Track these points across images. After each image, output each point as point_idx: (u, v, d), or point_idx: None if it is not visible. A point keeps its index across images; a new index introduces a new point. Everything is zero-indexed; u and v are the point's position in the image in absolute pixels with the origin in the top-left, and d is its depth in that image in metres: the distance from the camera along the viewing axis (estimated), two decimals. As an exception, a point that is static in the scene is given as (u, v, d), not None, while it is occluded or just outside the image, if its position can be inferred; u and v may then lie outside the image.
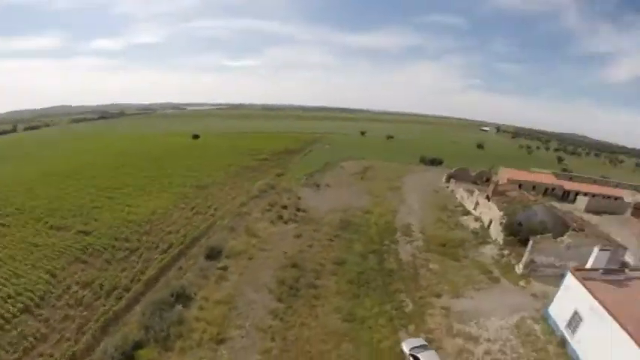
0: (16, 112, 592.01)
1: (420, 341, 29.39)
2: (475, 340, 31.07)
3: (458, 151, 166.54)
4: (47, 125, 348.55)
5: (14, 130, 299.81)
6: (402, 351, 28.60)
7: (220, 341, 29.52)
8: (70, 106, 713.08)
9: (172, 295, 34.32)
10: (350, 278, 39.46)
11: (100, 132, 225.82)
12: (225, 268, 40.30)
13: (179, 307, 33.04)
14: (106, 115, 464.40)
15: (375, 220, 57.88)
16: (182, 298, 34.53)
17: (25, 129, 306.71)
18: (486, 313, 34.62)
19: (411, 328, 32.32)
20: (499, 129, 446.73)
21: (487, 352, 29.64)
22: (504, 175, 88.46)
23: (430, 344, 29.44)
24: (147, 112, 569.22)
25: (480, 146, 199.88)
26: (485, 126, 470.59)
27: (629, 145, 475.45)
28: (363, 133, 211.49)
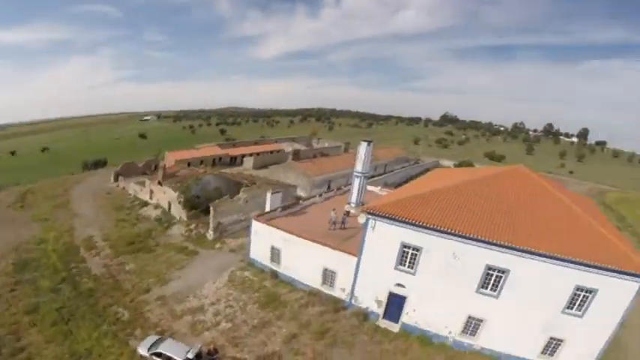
0: None
1: (153, 337, 27.67)
2: (200, 309, 31.58)
3: (121, 146, 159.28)
4: None
5: None
6: (142, 357, 26.28)
7: None
8: None
9: None
10: (52, 320, 32.22)
11: None
12: None
13: None
14: None
15: (52, 247, 48.32)
16: None
17: None
18: (198, 284, 35.46)
19: (138, 332, 29.73)
20: (160, 116, 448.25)
21: (216, 313, 30.84)
22: (171, 158, 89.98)
23: (164, 335, 28.24)
24: None
25: (142, 136, 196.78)
26: (146, 115, 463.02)
27: (281, 108, 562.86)
28: (12, 153, 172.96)
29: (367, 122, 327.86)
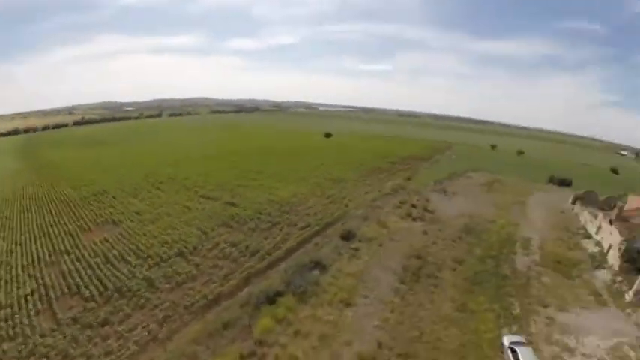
0: (162, 100, 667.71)
1: (519, 338, 31.74)
2: (571, 351, 32.31)
3: (589, 173, 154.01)
4: (189, 114, 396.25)
5: (159, 115, 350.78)
6: (501, 344, 31.29)
7: (348, 304, 35.40)
8: (210, 99, 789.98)
9: (311, 262, 41.11)
10: (467, 276, 42.86)
11: (237, 124, 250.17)
12: (357, 249, 46.14)
13: (316, 272, 39.84)
14: (241, 109, 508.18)
15: (497, 229, 59.55)
16: (319, 266, 41.18)
17: (170, 115, 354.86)
18: (586, 331, 35.22)
19: (514, 328, 34.56)
20: (638, 154, 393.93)
21: (578, 364, 31.06)
22: (634, 203, 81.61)
23: (529, 344, 31.42)
24: (279, 108, 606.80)
25: (614, 171, 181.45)
26: (623, 150, 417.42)
27: None
28: (493, 147, 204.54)
29: None
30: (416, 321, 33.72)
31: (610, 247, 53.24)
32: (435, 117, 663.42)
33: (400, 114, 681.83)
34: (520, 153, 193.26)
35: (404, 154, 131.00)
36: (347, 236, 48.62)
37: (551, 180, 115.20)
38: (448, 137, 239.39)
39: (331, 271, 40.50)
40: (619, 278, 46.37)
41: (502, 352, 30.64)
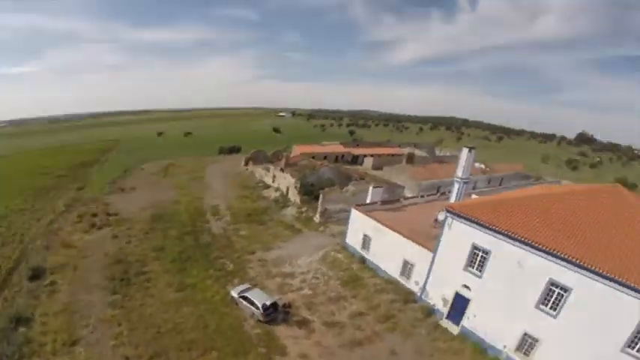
0: None
1: (245, 286, 34.17)
2: (291, 275, 37.73)
3: (256, 137, 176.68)
4: None
5: None
6: (232, 297, 33.00)
7: (73, 342, 29.00)
8: None
9: (11, 322, 31.13)
10: (172, 258, 41.87)
11: None
12: (53, 283, 37.53)
13: (22, 329, 30.48)
14: None
15: (184, 208, 60.40)
16: (21, 321, 31.54)
17: None
18: (296, 256, 41.68)
19: (236, 281, 36.93)
20: (294, 113, 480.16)
21: (303, 281, 36.61)
22: (297, 150, 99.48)
23: (255, 286, 34.37)
24: None
25: (276, 130, 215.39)
26: (282, 112, 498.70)
27: (413, 114, 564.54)
28: (159, 134, 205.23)
29: (498, 135, 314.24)
30: (147, 320, 31.58)
31: (288, 188, 63.73)
32: (95, 115, 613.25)
33: (55, 120, 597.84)
34: (187, 134, 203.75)
35: (69, 163, 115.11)
36: (36, 275, 39.82)
37: (221, 151, 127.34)
38: (113, 134, 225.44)
39: (37, 319, 32.65)
40: (304, 209, 56.44)
41: (237, 304, 32.35)
